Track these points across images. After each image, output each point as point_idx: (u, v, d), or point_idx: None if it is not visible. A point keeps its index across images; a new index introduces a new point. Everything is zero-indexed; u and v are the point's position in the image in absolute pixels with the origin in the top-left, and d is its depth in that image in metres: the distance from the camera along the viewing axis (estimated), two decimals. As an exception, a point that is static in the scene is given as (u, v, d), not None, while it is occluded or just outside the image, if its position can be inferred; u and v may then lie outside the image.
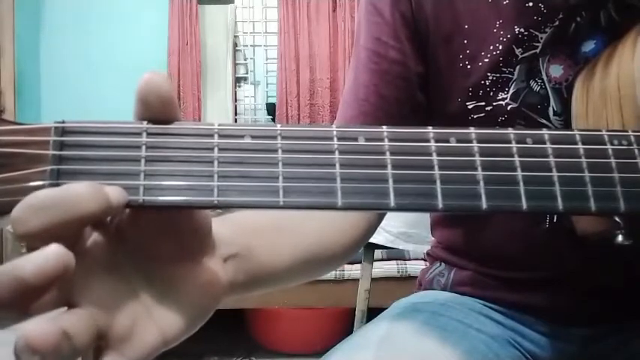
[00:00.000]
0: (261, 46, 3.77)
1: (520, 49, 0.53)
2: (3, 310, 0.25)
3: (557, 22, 0.52)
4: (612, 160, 0.32)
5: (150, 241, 0.31)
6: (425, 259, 0.76)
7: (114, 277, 0.29)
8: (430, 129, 0.31)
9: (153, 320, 0.30)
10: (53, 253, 0.25)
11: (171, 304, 0.31)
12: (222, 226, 0.35)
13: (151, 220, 0.31)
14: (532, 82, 0.54)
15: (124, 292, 0.30)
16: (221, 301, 0.34)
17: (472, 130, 0.32)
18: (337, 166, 0.30)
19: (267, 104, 3.73)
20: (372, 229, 0.58)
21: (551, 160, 0.32)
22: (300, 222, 0.46)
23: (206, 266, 0.33)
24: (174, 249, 0.31)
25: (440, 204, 0.30)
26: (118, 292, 0.29)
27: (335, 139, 0.30)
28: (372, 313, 0.78)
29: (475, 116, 0.56)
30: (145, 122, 0.29)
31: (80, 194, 0.26)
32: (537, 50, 0.53)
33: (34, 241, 0.26)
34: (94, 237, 0.29)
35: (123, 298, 0.30)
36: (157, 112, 0.29)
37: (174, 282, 0.32)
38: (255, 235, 0.40)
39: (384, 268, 1.95)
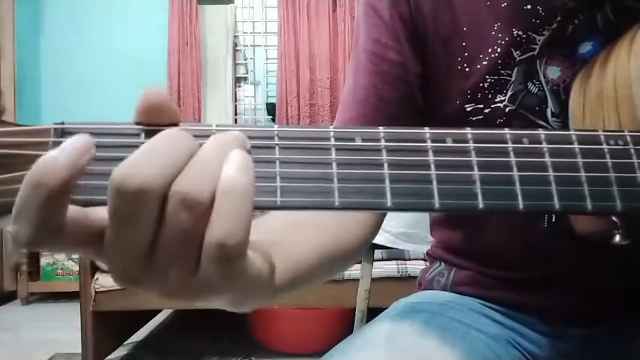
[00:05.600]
0: (261, 46, 3.77)
1: (518, 52, 0.53)
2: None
3: (554, 25, 0.52)
4: (608, 160, 0.32)
5: None
6: (425, 259, 0.76)
7: None
8: (426, 129, 0.32)
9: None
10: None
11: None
12: None
13: None
14: (530, 84, 0.54)
15: None
16: (273, 291, 0.35)
17: (468, 130, 0.32)
18: (334, 165, 0.30)
19: (267, 104, 3.73)
20: (378, 225, 0.58)
21: (548, 159, 0.32)
22: (317, 219, 0.46)
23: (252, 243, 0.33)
24: None
25: (436, 203, 0.30)
26: None
27: (332, 139, 0.31)
28: (372, 313, 0.78)
29: (473, 118, 0.56)
30: None
31: (42, 171, 0.26)
32: (535, 52, 0.53)
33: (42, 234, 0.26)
34: None
35: None
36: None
37: None
38: (280, 232, 0.40)
39: (384, 268, 1.95)
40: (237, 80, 3.75)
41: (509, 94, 0.54)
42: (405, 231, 1.51)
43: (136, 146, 0.29)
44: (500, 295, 0.62)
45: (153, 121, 0.29)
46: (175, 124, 0.30)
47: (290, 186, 0.29)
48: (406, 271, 1.97)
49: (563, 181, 0.31)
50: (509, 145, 0.32)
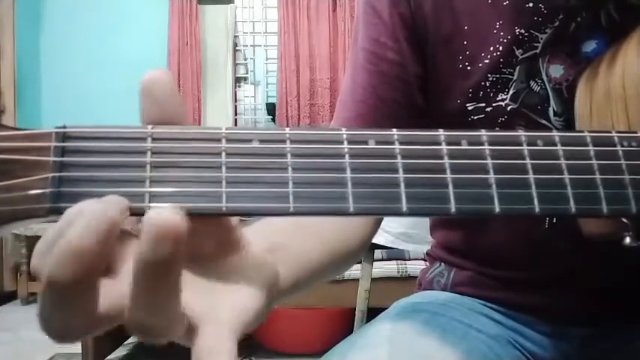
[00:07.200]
0: (261, 46, 3.77)
1: (520, 50, 0.53)
2: (68, 292, 0.24)
3: (557, 23, 0.52)
4: (623, 162, 0.32)
5: None
6: (425, 259, 0.76)
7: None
8: (441, 131, 0.31)
9: (222, 304, 0.29)
10: (94, 213, 0.24)
11: (233, 288, 0.30)
12: (248, 230, 0.34)
13: None
14: (532, 83, 0.54)
15: (183, 287, 0.28)
16: (277, 294, 0.34)
17: (483, 132, 0.31)
18: (348, 170, 0.29)
19: (267, 104, 3.74)
20: (378, 224, 0.59)
21: (563, 162, 0.31)
22: (317, 219, 0.45)
23: (249, 254, 0.32)
24: (206, 248, 0.31)
25: (452, 208, 0.29)
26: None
27: (345, 142, 0.30)
28: (372, 313, 0.78)
29: (475, 117, 0.56)
30: (150, 127, 0.28)
31: (93, 210, 0.25)
32: (537, 51, 0.53)
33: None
34: (126, 245, 0.28)
35: (184, 292, 0.28)
36: (163, 104, 0.29)
37: (225, 273, 0.31)
38: (282, 233, 0.39)
39: (384, 268, 1.95)
40: (237, 80, 3.75)
41: (511, 92, 0.54)
42: (405, 231, 1.51)
43: (142, 152, 0.28)
44: (501, 295, 0.62)
45: (159, 102, 0.28)
46: (182, 116, 0.29)
47: (303, 191, 0.28)
48: (406, 271, 1.97)
49: (579, 183, 0.31)
50: (525, 147, 0.31)
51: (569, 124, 0.52)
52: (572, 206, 0.31)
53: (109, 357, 2.04)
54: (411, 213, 0.29)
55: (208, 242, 0.31)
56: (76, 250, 0.23)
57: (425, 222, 0.76)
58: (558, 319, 0.59)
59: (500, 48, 0.54)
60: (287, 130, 0.30)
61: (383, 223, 0.61)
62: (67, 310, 0.25)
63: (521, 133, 0.32)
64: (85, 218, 0.24)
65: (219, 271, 0.31)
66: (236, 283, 0.31)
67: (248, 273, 0.32)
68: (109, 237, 0.24)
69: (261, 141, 0.29)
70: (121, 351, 2.20)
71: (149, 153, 0.28)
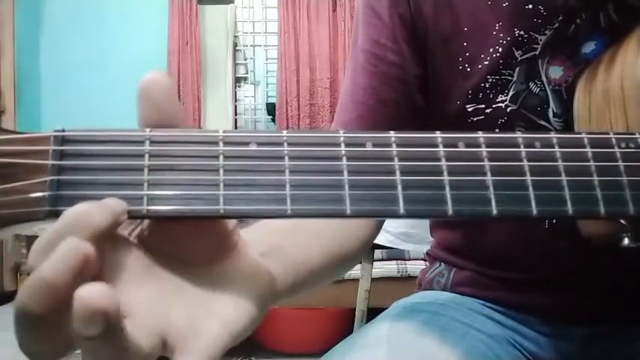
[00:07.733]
0: (261, 46, 3.77)
1: (520, 51, 0.53)
2: (39, 322, 0.24)
3: (556, 24, 0.52)
4: (620, 164, 0.32)
5: (173, 248, 0.30)
6: (425, 259, 0.76)
7: (155, 284, 0.28)
8: (438, 134, 0.31)
9: (210, 313, 0.29)
10: (67, 249, 0.24)
11: (224, 297, 0.30)
12: (246, 232, 0.34)
13: (166, 229, 0.30)
14: (531, 84, 0.54)
15: (171, 295, 0.29)
16: (273, 298, 0.34)
17: (480, 134, 0.31)
18: (345, 172, 0.29)
19: (267, 104, 3.74)
20: (379, 226, 0.59)
21: (560, 164, 0.31)
22: (318, 221, 0.46)
23: (245, 259, 0.32)
24: (202, 251, 0.31)
25: (450, 210, 0.29)
26: (164, 295, 0.28)
27: (342, 145, 0.30)
28: (372, 313, 0.78)
29: (475, 119, 0.56)
30: (148, 130, 0.28)
31: (84, 212, 0.25)
32: (537, 52, 0.53)
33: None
34: (119, 250, 0.28)
35: (171, 301, 0.29)
36: (161, 106, 0.29)
37: (219, 278, 0.31)
38: (280, 234, 0.39)
39: (384, 268, 1.96)
40: (237, 80, 3.75)
41: (510, 93, 0.54)
42: (405, 231, 1.51)
43: (141, 155, 0.28)
44: (501, 295, 0.62)
45: (157, 104, 0.28)
46: (179, 125, 0.29)
47: (300, 194, 0.29)
48: (406, 271, 1.97)
49: (576, 185, 0.31)
50: (522, 149, 0.31)
51: (568, 125, 0.52)
52: (570, 208, 0.31)
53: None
54: (409, 215, 0.29)
55: (204, 246, 0.31)
56: (47, 283, 0.23)
57: (425, 222, 0.76)
58: (558, 319, 0.59)
59: (500, 49, 0.54)
60: (284, 132, 0.30)
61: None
62: (38, 337, 0.25)
63: (519, 135, 0.32)
64: (59, 252, 0.24)
65: (212, 276, 0.31)
66: (229, 291, 0.30)
67: (242, 280, 0.31)
68: (82, 270, 0.24)
69: (259, 144, 0.29)
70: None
71: (147, 156, 0.28)
